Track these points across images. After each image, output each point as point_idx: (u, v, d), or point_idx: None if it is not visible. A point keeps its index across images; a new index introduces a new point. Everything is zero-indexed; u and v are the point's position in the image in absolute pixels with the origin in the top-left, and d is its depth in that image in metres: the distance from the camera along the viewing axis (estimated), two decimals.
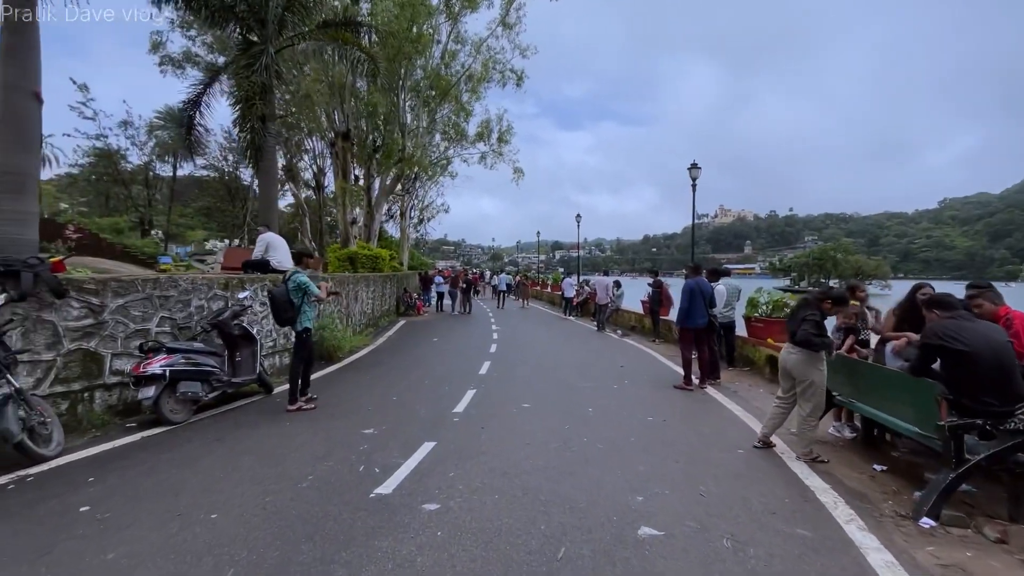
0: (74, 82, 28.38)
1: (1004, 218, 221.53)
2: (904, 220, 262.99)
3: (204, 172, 42.67)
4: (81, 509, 3.38)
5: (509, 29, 21.45)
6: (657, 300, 12.84)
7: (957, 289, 4.59)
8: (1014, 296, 5.52)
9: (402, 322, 17.08)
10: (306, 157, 25.50)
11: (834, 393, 4.94)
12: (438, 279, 21.42)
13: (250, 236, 38.94)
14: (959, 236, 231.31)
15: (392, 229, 37.17)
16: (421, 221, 38.07)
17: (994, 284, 4.48)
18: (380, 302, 16.11)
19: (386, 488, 3.76)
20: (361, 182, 19.98)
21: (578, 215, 26.96)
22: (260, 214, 9.57)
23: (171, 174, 46.79)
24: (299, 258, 6.02)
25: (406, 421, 5.57)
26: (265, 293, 6.16)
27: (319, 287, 6.13)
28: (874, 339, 5.37)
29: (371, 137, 18.93)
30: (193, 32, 20.70)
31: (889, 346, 4.99)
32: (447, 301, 21.38)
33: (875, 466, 4.45)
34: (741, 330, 9.52)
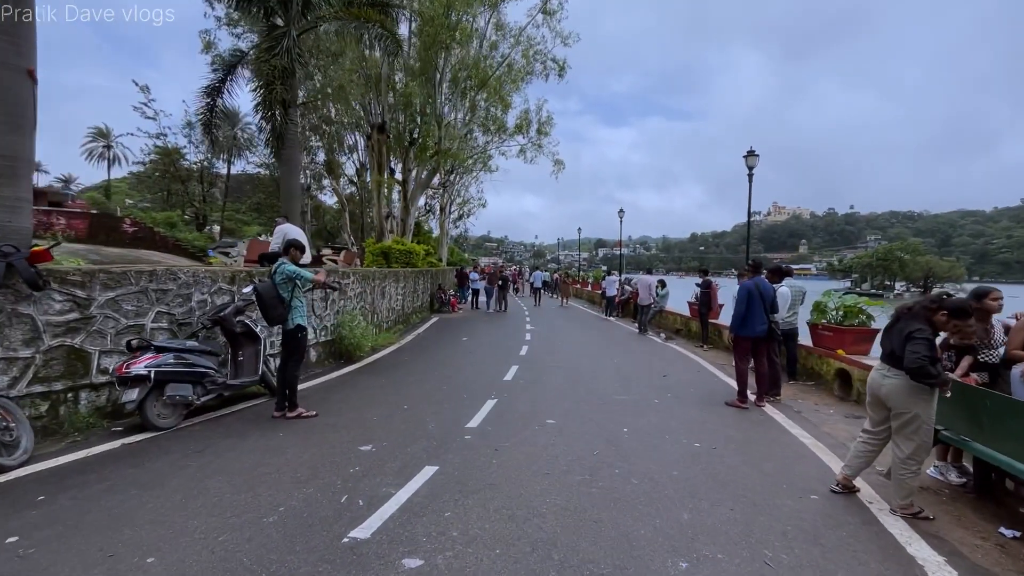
0: (136, 84, 29.66)
1: None
2: (981, 219, 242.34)
3: (257, 169, 44.21)
4: (8, 540, 2.87)
5: (550, 16, 20.56)
6: (706, 302, 11.68)
7: None
8: None
9: (435, 319, 16.60)
10: (348, 152, 25.55)
11: (939, 428, 3.88)
12: (474, 275, 20.85)
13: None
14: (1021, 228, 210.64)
15: (432, 224, 37.06)
16: (460, 217, 37.79)
17: None
18: (412, 298, 15.68)
19: (364, 531, 3.07)
20: (398, 175, 19.66)
21: (621, 210, 25.75)
22: (282, 204, 9.22)
23: (226, 171, 48.73)
24: (287, 249, 5.45)
25: (411, 437, 4.89)
26: (251, 289, 5.59)
27: (315, 274, 5.54)
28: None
29: (408, 130, 18.53)
30: (239, 30, 20.99)
31: (1018, 369, 3.87)
32: (483, 298, 20.78)
33: (1002, 530, 3.38)
34: (805, 338, 8.34)
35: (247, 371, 5.86)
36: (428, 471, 4.03)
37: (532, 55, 21.80)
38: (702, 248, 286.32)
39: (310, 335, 7.83)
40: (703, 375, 8.53)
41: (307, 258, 8.19)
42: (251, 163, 44.04)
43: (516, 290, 35.58)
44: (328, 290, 6.98)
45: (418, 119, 17.75)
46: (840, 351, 7.31)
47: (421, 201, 22.04)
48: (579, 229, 38.16)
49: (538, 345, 11.30)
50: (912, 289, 74.03)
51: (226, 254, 12.58)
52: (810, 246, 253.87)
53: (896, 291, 72.92)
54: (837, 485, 3.90)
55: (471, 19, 18.11)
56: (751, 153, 10.97)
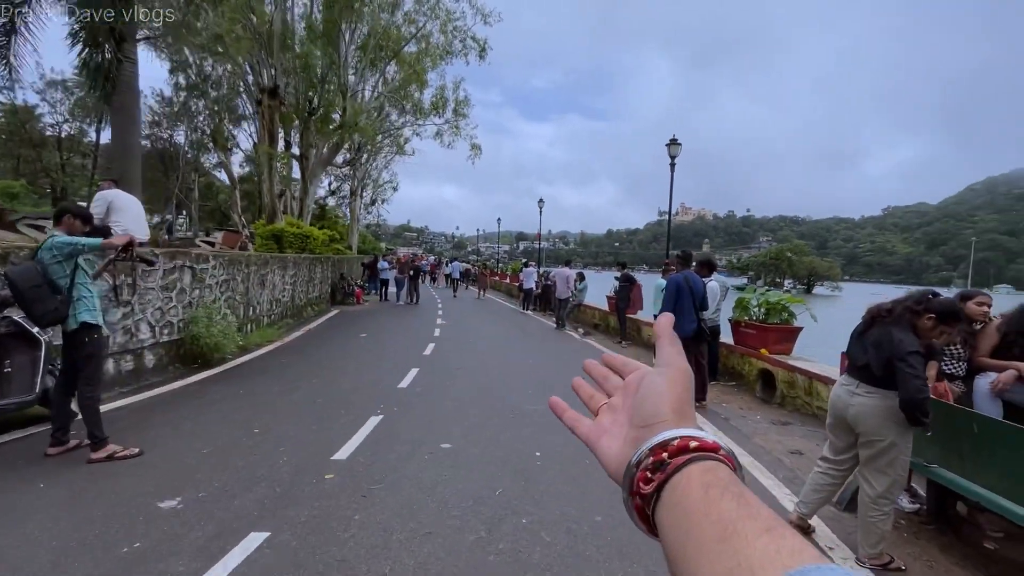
0: None
1: (940, 227, 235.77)
2: (851, 225, 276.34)
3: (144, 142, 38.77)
4: None
5: None
6: (625, 297, 11.16)
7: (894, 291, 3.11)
8: None
9: (335, 312, 14.82)
10: (238, 122, 22.48)
11: None
12: (383, 264, 19.14)
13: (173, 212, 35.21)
14: (900, 242, 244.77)
15: (346, 210, 34.50)
16: (374, 202, 35.44)
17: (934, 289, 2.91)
18: (307, 288, 13.80)
19: None
20: (296, 150, 17.42)
21: (540, 200, 25.14)
22: (114, 162, 7.11)
23: (95, 139, 42.27)
24: (58, 217, 3.81)
25: (246, 481, 3.54)
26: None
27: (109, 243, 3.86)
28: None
29: (307, 98, 16.38)
30: None
31: (984, 380, 3.35)
32: (392, 289, 19.16)
33: None
34: (726, 336, 7.93)
35: (17, 388, 4.14)
36: (253, 541, 2.75)
37: (452, 31, 20.38)
38: (617, 244, 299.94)
39: (144, 334, 6.06)
40: None
41: (143, 232, 6.37)
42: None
43: (434, 280, 34.07)
44: (139, 263, 4.85)
45: (319, 87, 15.69)
46: (763, 350, 6.89)
47: (325, 181, 19.82)
48: (499, 220, 37.30)
49: (446, 343, 10.12)
50: (798, 286, 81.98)
51: (39, 228, 9.88)
52: (712, 245, 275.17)
53: (785, 288, 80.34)
54: (792, 524, 3.15)
55: None
56: (673, 141, 10.55)
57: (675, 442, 0.36)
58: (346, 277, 17.67)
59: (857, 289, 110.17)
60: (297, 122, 16.72)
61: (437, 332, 11.39)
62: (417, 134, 23.30)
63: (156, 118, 32.09)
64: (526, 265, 19.21)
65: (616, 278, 12.26)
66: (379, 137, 28.36)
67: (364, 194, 34.20)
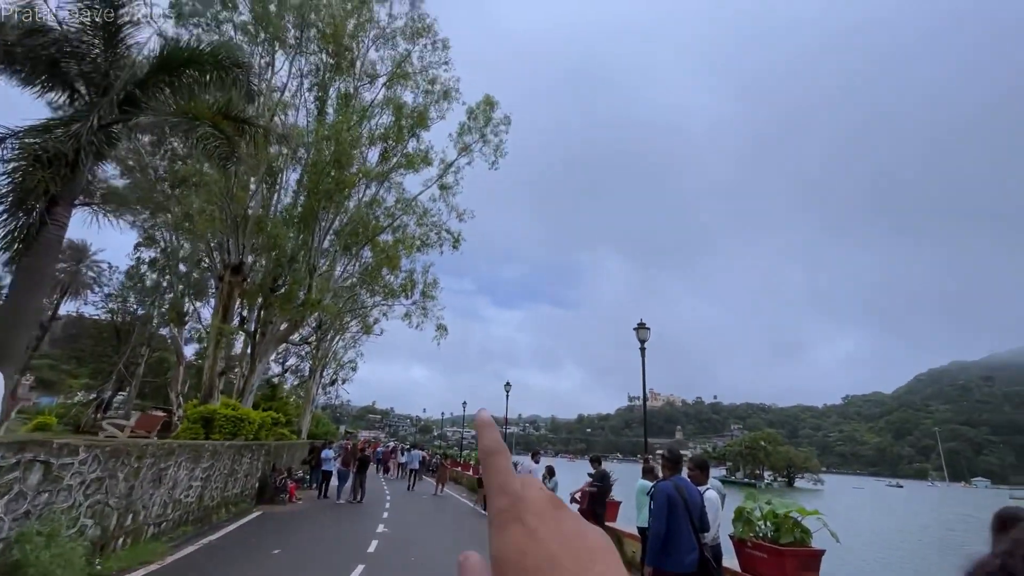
0: None
1: (900, 417, 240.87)
2: (816, 413, 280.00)
3: (96, 313, 38.02)
4: None
5: (446, 191, 21.20)
6: (602, 502, 9.49)
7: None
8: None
9: (257, 514, 12.27)
10: (199, 298, 22.09)
11: None
12: (327, 453, 16.88)
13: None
14: (867, 432, 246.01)
15: (306, 389, 32.56)
16: (333, 382, 33.74)
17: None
18: (225, 484, 11.56)
19: None
20: (251, 326, 16.65)
21: (507, 384, 24.16)
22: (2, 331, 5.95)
23: (51, 312, 41.24)
24: None
25: None
26: None
27: None
28: None
29: (273, 276, 16.29)
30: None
31: None
32: (336, 483, 16.57)
33: None
34: (728, 557, 6.35)
35: None
36: None
37: (429, 224, 21.90)
38: (589, 430, 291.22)
39: None
40: None
41: None
42: (91, 303, 37.55)
43: (387, 471, 30.56)
44: None
45: (287, 266, 15.73)
46: None
47: (287, 360, 18.62)
48: (464, 404, 35.54)
49: (384, 561, 7.98)
50: (778, 478, 77.97)
51: None
52: (684, 432, 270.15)
53: (766, 480, 76.19)
54: None
55: (360, 174, 17.79)
56: (641, 326, 10.28)
57: None
58: (279, 469, 15.28)
59: (838, 482, 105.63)
60: (260, 299, 16.30)
61: (373, 546, 9.15)
62: (385, 315, 23.24)
63: (116, 291, 31.75)
64: None
65: (590, 476, 10.70)
66: (347, 318, 28.36)
67: (324, 373, 32.75)
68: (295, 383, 31.83)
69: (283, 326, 16.22)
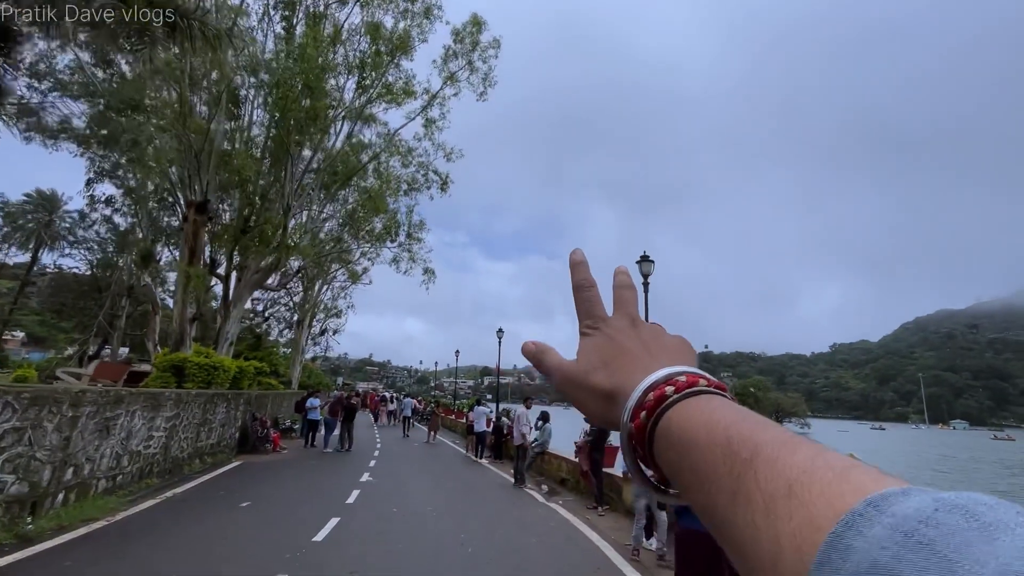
0: None
1: (885, 364, 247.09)
2: (804, 361, 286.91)
3: (76, 266, 36.65)
4: None
5: (431, 127, 19.58)
6: (601, 447, 8.82)
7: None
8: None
9: (235, 464, 11.65)
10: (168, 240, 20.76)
11: None
12: (313, 402, 16.23)
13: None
14: (852, 378, 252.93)
15: (295, 340, 31.92)
16: (323, 332, 33.02)
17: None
18: (196, 434, 10.83)
19: None
20: (221, 270, 15.54)
21: (500, 330, 23.49)
22: None
23: (28, 262, 39.85)
24: None
25: None
26: None
27: None
28: None
29: (243, 215, 15.01)
30: None
31: None
32: (324, 432, 16.03)
33: None
34: None
35: None
36: None
37: (415, 165, 20.42)
38: None
39: None
40: (608, 571, 5.25)
41: None
42: (68, 255, 36.06)
43: (376, 419, 30.47)
44: None
45: (259, 204, 14.44)
46: None
47: (258, 311, 17.64)
48: (457, 352, 35.12)
49: (361, 514, 7.31)
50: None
51: None
52: None
53: None
54: None
55: (333, 104, 16.17)
56: (645, 258, 9.29)
57: (683, 378, 0.35)
58: (261, 418, 14.62)
59: (824, 425, 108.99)
60: (232, 242, 15.10)
61: (354, 496, 8.49)
62: (369, 259, 22.13)
63: (90, 240, 30.31)
64: (478, 403, 16.59)
65: (587, 420, 9.99)
66: (333, 265, 27.22)
67: (314, 324, 31.97)
68: (281, 330, 31.04)
69: (258, 270, 15.12)
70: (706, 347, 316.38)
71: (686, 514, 3.26)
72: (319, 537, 5.95)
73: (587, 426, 9.90)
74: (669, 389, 0.34)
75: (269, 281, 16.53)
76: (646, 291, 9.36)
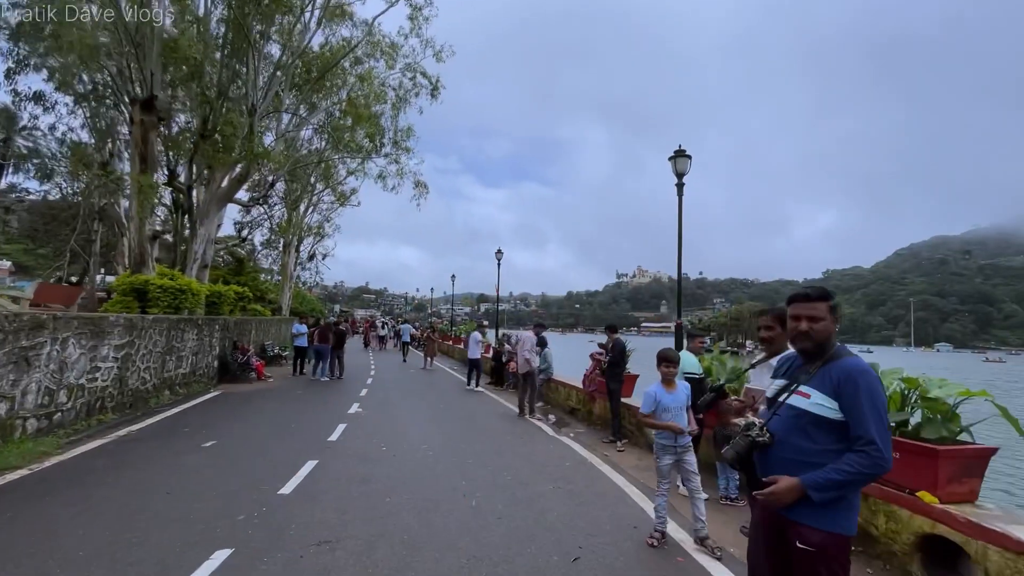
0: None
1: (876, 289, 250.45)
2: (795, 287, 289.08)
3: (42, 190, 34.13)
4: None
5: (417, 16, 16.81)
6: (618, 375, 7.68)
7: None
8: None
9: (212, 395, 10.63)
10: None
11: None
12: (298, 328, 15.08)
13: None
14: (843, 303, 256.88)
15: (282, 265, 30.47)
16: (312, 256, 31.51)
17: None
18: (164, 363, 9.67)
19: None
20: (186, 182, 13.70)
21: (499, 251, 22.09)
22: None
23: None
24: None
25: None
26: None
27: None
28: None
29: (202, 116, 12.94)
30: None
31: None
32: (315, 360, 15.00)
33: None
34: None
35: None
36: None
37: (401, 67, 17.87)
38: (577, 305, 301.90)
39: None
40: (643, 529, 4.17)
41: None
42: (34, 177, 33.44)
43: (366, 345, 29.92)
44: None
45: (217, 102, 12.33)
46: (925, 495, 3.49)
47: (217, 221, 15.88)
48: (453, 277, 33.93)
49: (344, 455, 6.24)
50: (759, 347, 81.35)
51: None
52: (668, 306, 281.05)
53: (747, 348, 79.61)
54: None
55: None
56: (680, 153, 7.61)
57: None
58: (242, 346, 13.51)
59: None
60: (186, 146, 13.16)
61: (338, 431, 7.44)
62: (355, 175, 20.16)
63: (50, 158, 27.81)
64: (481, 327, 15.43)
65: (601, 346, 8.84)
66: (318, 186, 25.15)
67: (302, 248, 30.37)
68: (261, 252, 29.48)
69: (225, 183, 13.31)
70: (700, 273, 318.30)
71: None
72: (287, 489, 4.83)
73: (600, 353, 8.77)
74: None
75: (242, 195, 14.76)
76: (680, 194, 7.79)
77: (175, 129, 13.17)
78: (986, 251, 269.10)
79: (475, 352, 13.43)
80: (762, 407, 2.52)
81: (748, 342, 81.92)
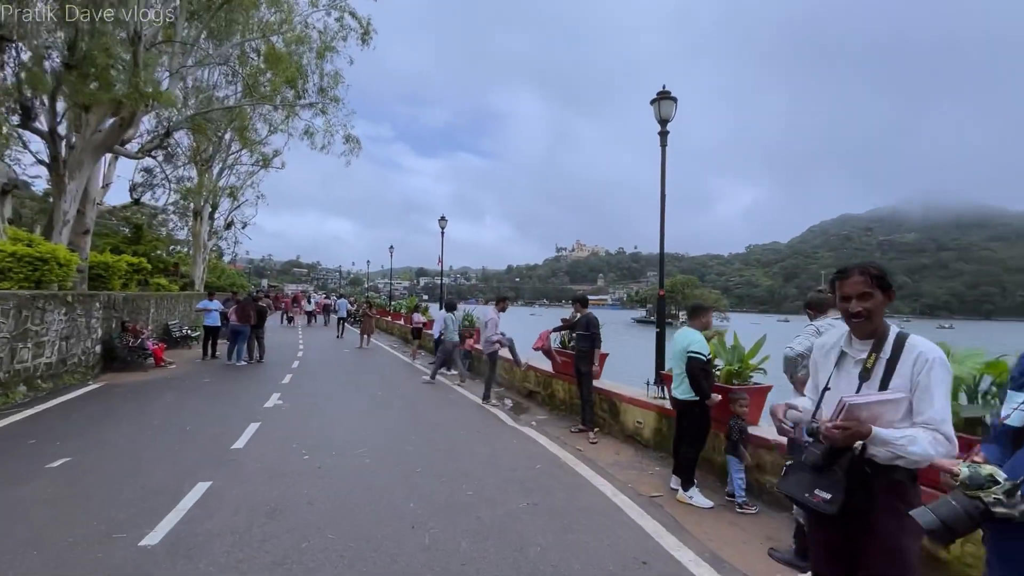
0: None
1: (792, 263, 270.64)
2: (722, 261, 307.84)
3: None
4: None
5: None
6: (587, 356, 6.62)
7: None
8: None
9: (88, 389, 8.59)
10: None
11: None
12: (207, 304, 12.91)
13: None
14: (763, 276, 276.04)
15: (193, 234, 27.08)
16: (230, 225, 28.21)
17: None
18: (12, 352, 7.54)
19: None
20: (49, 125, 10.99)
21: (442, 218, 20.43)
22: None
23: None
24: None
25: None
26: None
27: None
28: None
29: (68, 40, 10.28)
30: None
31: None
32: (234, 342, 12.88)
33: None
34: None
35: None
36: None
37: (327, 5, 15.44)
38: (518, 279, 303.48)
39: None
40: (659, 568, 3.15)
41: None
42: None
43: (291, 320, 27.67)
44: None
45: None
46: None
47: (100, 176, 13.21)
48: (391, 248, 31.76)
49: (253, 466, 4.78)
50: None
51: None
52: (605, 279, 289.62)
53: (680, 320, 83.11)
54: None
55: None
56: (664, 95, 6.45)
57: None
58: (133, 327, 11.28)
59: (738, 318, 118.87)
60: (44, 77, 10.48)
61: (245, 438, 5.89)
62: (275, 130, 17.67)
63: None
64: (449, 308, 13.20)
65: (564, 322, 7.75)
66: (234, 145, 22.10)
67: (216, 216, 27.00)
68: (164, 218, 26.03)
69: (99, 128, 10.80)
70: (636, 248, 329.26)
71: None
72: (153, 538, 3.35)
73: (560, 329, 7.71)
74: None
75: (129, 146, 12.15)
76: (664, 143, 6.70)
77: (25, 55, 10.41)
78: (884, 228, 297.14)
79: (438, 331, 11.63)
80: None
81: (682, 312, 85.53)
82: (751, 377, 4.98)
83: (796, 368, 3.29)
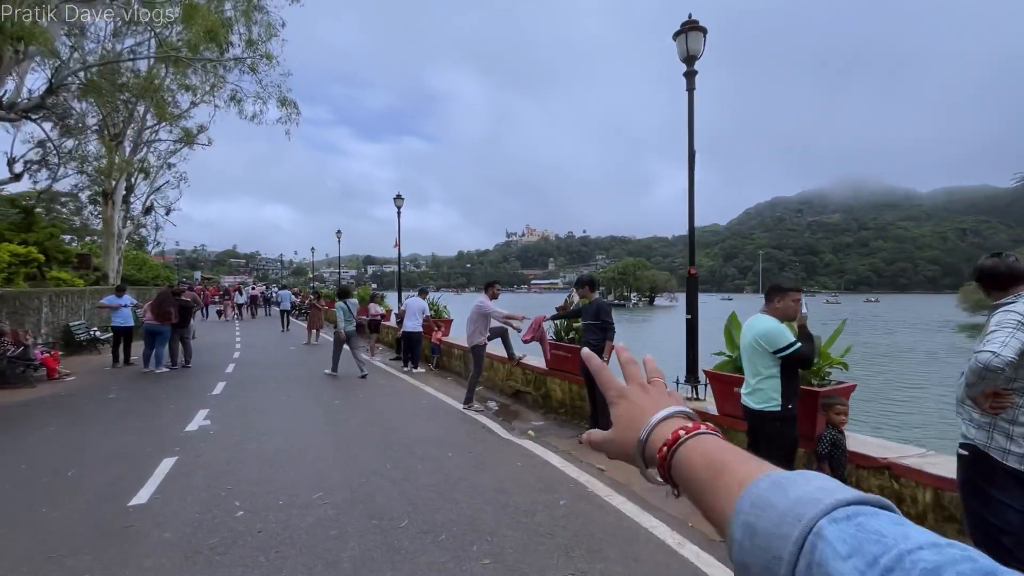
0: None
1: (731, 244, 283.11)
2: (667, 243, 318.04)
3: None
4: None
5: None
6: (599, 347, 5.44)
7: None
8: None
9: None
10: None
11: None
12: (112, 299, 10.69)
13: None
14: (704, 257, 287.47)
15: (105, 220, 23.72)
16: (150, 210, 24.91)
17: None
18: None
19: None
20: None
21: (398, 196, 18.60)
22: None
23: None
24: None
25: None
26: None
27: None
28: None
29: None
30: None
31: None
32: (152, 346, 10.75)
33: None
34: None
35: None
36: None
37: None
38: (468, 265, 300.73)
39: None
40: None
41: None
42: None
43: (221, 315, 25.19)
44: None
45: None
46: None
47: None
48: (339, 233, 29.23)
49: (160, 535, 3.23)
50: (643, 299, 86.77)
51: None
52: (556, 263, 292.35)
53: (633, 301, 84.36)
54: None
55: None
56: (693, 25, 5.21)
57: (690, 423, 0.52)
58: (13, 332, 9.03)
59: (684, 298, 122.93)
60: None
61: (154, 484, 4.28)
62: (196, 97, 15.22)
63: None
64: (423, 293, 11.36)
65: (560, 309, 6.52)
66: (148, 117, 19.15)
67: (132, 200, 23.69)
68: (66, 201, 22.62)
69: None
70: (584, 232, 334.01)
71: None
72: None
73: (564, 309, 6.50)
74: (682, 433, 0.49)
75: (18, 100, 9.64)
76: (691, 86, 5.50)
77: None
78: (812, 209, 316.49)
79: (414, 322, 10.18)
80: None
81: (633, 294, 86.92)
82: (829, 373, 3.93)
83: (997, 379, 2.19)
